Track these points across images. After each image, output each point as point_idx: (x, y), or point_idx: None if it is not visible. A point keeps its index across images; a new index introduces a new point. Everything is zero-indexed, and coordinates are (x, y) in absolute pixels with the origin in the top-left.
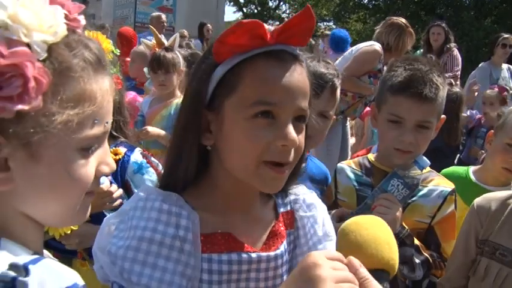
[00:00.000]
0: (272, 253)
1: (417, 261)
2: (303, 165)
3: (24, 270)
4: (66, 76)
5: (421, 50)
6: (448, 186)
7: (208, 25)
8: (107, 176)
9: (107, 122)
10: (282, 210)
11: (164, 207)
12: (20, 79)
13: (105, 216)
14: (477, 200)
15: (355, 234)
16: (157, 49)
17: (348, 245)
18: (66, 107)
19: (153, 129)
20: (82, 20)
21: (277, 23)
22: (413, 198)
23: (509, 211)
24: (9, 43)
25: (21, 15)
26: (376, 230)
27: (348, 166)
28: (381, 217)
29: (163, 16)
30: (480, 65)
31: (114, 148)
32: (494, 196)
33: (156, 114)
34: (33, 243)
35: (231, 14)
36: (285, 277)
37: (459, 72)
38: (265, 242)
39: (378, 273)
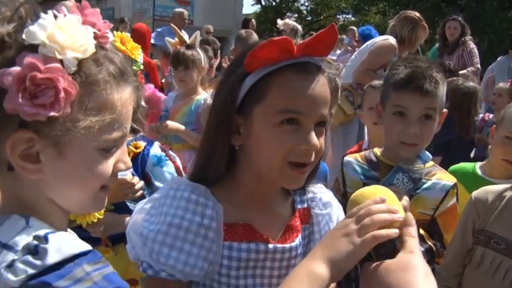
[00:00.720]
0: (287, 245)
1: (422, 249)
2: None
3: (45, 239)
4: (91, 88)
5: (435, 46)
6: (450, 180)
7: (253, 21)
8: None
9: (125, 127)
10: (299, 206)
11: (192, 197)
12: (52, 90)
13: (127, 206)
14: (475, 192)
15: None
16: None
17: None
18: (90, 114)
19: (172, 124)
20: (111, 36)
21: (296, 15)
22: (417, 191)
23: (504, 203)
24: (45, 59)
25: (57, 35)
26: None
27: (355, 160)
28: None
29: (186, 13)
30: (498, 58)
31: (134, 142)
32: (491, 189)
33: (178, 111)
34: (58, 225)
35: (249, 6)
36: None
37: (479, 65)
38: (281, 235)
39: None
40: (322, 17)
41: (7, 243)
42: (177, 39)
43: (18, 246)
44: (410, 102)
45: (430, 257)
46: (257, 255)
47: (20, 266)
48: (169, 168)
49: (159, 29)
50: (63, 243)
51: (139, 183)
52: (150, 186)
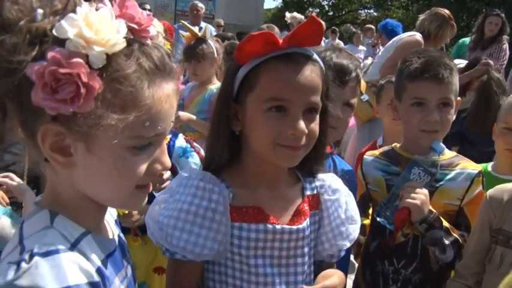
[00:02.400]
0: (294, 227)
1: (447, 242)
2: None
3: (30, 258)
4: (117, 84)
5: (471, 37)
6: (475, 168)
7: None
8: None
9: (160, 125)
10: (308, 193)
11: (200, 184)
12: (72, 85)
13: (154, 196)
14: (490, 192)
15: None
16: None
17: None
18: (114, 111)
19: (184, 115)
20: (152, 30)
21: (317, 10)
22: (441, 182)
23: None
24: (69, 54)
25: (84, 30)
26: None
27: (374, 157)
28: (408, 204)
29: (200, 5)
30: None
31: None
32: (506, 187)
33: (193, 100)
34: (88, 220)
35: (270, 1)
36: (305, 249)
37: (504, 65)
38: (290, 218)
39: None
40: (343, 12)
41: (23, 240)
42: (189, 33)
43: (26, 252)
44: (427, 91)
45: (457, 249)
46: (265, 235)
47: (5, 269)
48: (194, 159)
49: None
50: (40, 274)
51: (166, 174)
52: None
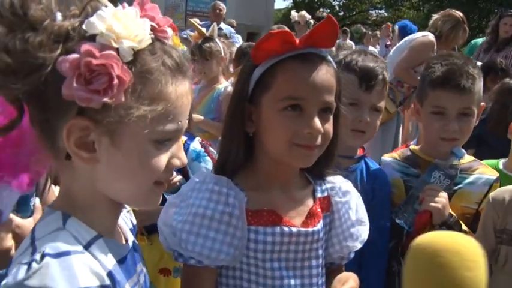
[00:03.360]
0: (310, 229)
1: None
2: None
3: (41, 258)
4: (145, 77)
5: (483, 38)
6: (493, 174)
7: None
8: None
9: (180, 121)
10: (319, 195)
11: (215, 188)
12: (106, 76)
13: (164, 198)
14: (492, 193)
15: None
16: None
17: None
18: (143, 103)
19: (193, 117)
20: (170, 31)
21: (328, 10)
22: (460, 185)
23: None
24: (102, 47)
25: (114, 25)
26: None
27: (393, 158)
28: (430, 208)
29: (222, 5)
30: None
31: None
32: (507, 188)
33: (201, 101)
34: (100, 223)
35: (280, 1)
36: (320, 251)
37: None
38: (304, 220)
39: None
40: (354, 12)
41: (35, 241)
42: (197, 33)
43: (37, 253)
44: (448, 101)
45: None
46: (282, 238)
47: (16, 269)
48: (207, 164)
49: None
50: (50, 275)
51: (177, 177)
52: (187, 180)
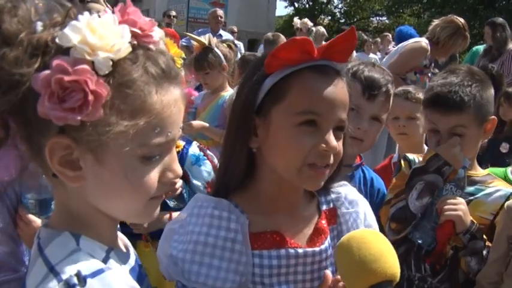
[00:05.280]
0: (317, 248)
1: (485, 253)
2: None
3: (83, 280)
4: (125, 90)
5: (483, 45)
6: (509, 187)
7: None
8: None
9: (170, 132)
10: (324, 207)
11: (215, 213)
12: (80, 93)
13: (167, 203)
14: (508, 202)
15: (358, 253)
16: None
17: (351, 264)
18: (123, 118)
19: (197, 124)
20: (156, 35)
21: (329, 17)
22: (477, 195)
23: None
24: (74, 62)
25: (88, 37)
26: (376, 244)
27: (417, 158)
28: (451, 216)
29: (219, 11)
30: None
31: None
32: None
33: (205, 108)
34: (107, 236)
35: (282, 9)
36: (329, 269)
37: None
38: (310, 238)
39: (383, 285)
40: (355, 20)
41: (54, 267)
42: (196, 43)
43: (64, 274)
44: (437, 121)
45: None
46: (288, 260)
47: None
48: (207, 167)
49: (194, 31)
50: None
51: (178, 183)
52: (188, 184)
